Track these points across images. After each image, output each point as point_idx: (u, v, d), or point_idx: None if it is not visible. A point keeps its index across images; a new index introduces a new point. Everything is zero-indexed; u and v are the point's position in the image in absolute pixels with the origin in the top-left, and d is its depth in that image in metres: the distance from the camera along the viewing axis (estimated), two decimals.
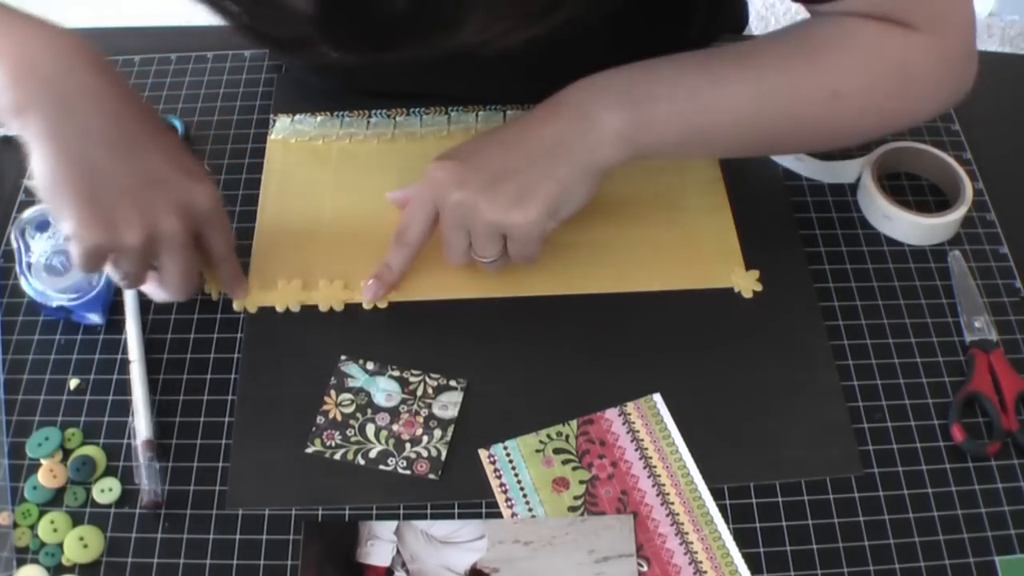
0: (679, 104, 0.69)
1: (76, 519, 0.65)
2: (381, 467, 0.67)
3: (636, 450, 0.68)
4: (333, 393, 0.71)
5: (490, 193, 0.68)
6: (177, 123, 0.85)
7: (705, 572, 0.63)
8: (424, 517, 0.65)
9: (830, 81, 0.69)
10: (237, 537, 0.65)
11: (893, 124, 0.76)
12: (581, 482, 0.67)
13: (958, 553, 0.64)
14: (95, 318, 0.73)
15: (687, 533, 0.65)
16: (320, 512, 0.66)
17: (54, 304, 0.72)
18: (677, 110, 0.69)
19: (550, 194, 0.69)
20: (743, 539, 0.65)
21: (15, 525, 0.65)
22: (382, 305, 0.75)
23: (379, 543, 0.64)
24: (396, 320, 0.74)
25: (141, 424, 0.68)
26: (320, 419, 0.69)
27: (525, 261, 0.72)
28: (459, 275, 0.76)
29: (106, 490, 0.66)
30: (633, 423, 0.69)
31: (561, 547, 0.64)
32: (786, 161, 0.83)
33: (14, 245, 0.75)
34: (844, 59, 0.69)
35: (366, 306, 0.74)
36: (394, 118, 0.86)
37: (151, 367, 0.72)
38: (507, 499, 0.66)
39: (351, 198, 0.81)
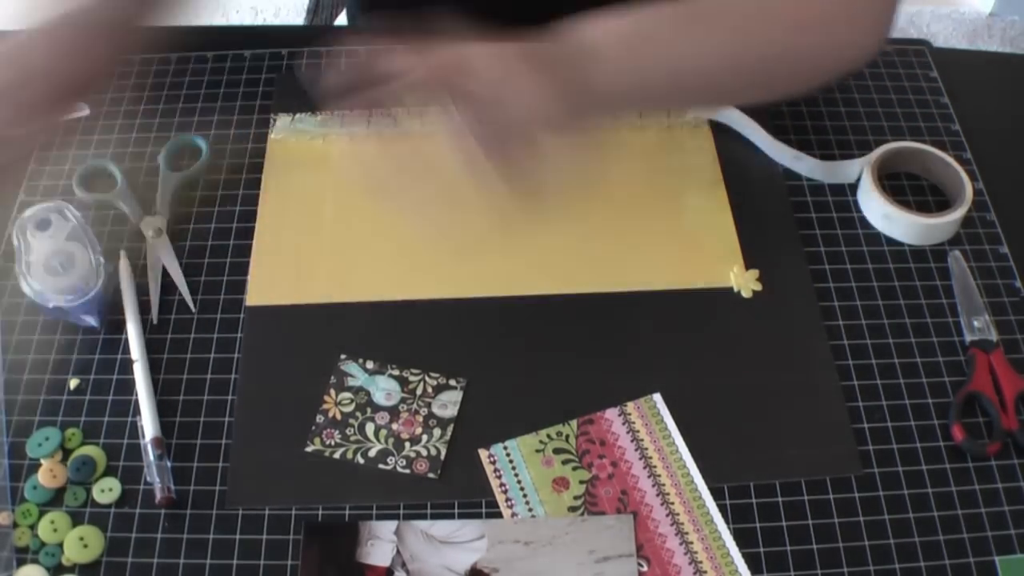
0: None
1: (76, 519, 0.65)
2: (380, 466, 0.67)
3: (636, 450, 0.68)
4: (333, 392, 0.71)
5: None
6: (202, 143, 0.84)
7: (705, 572, 0.63)
8: (424, 517, 0.66)
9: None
10: (237, 537, 0.65)
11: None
12: (581, 482, 0.67)
13: (958, 553, 0.64)
14: (91, 320, 0.73)
15: (687, 533, 0.65)
16: (320, 512, 0.66)
17: (51, 304, 0.72)
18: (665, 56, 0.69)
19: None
20: (743, 539, 0.65)
21: (15, 525, 0.65)
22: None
23: (379, 543, 0.64)
24: (396, 319, 0.75)
25: (148, 422, 0.68)
26: (320, 418, 0.69)
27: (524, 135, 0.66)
28: (460, 275, 0.76)
29: (106, 490, 0.66)
30: (633, 423, 0.69)
31: (561, 547, 0.64)
32: (786, 161, 0.83)
33: (15, 244, 0.75)
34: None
35: None
36: (394, 117, 0.86)
37: (151, 367, 0.72)
38: (507, 499, 0.66)
39: (351, 198, 0.81)
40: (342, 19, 1.16)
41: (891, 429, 0.69)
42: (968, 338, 0.73)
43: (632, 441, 0.69)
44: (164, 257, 0.77)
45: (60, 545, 0.64)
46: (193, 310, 0.75)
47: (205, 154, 0.83)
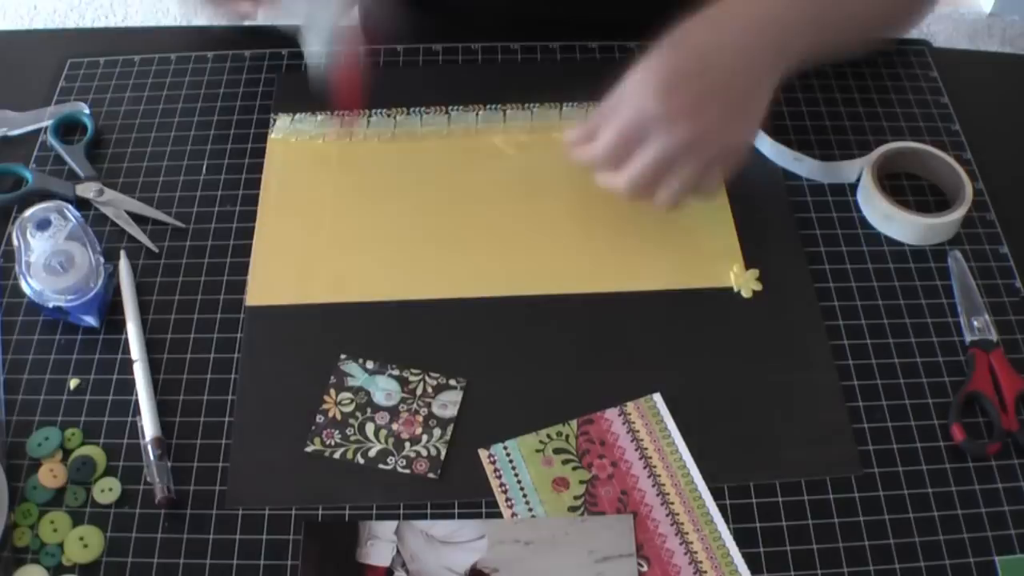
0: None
1: (76, 519, 0.65)
2: (380, 466, 0.67)
3: (636, 450, 0.68)
4: (333, 392, 0.71)
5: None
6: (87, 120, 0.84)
7: (705, 572, 0.63)
8: (424, 517, 0.66)
9: None
10: (237, 537, 0.65)
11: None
12: (581, 482, 0.67)
13: (958, 553, 0.64)
14: (91, 320, 0.73)
15: (687, 533, 0.65)
16: (320, 512, 0.66)
17: (51, 305, 0.72)
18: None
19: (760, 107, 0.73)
20: (743, 539, 0.65)
21: (15, 525, 0.65)
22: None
23: (379, 543, 0.64)
24: (396, 319, 0.74)
25: (148, 422, 0.68)
26: (320, 418, 0.69)
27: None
28: (460, 275, 0.76)
29: (106, 490, 0.66)
30: (633, 423, 0.69)
31: (561, 547, 0.64)
32: (786, 162, 0.83)
33: (15, 243, 0.75)
34: None
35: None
36: (394, 117, 0.86)
37: (151, 367, 0.72)
38: (507, 499, 0.66)
39: (351, 197, 0.81)
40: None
41: (891, 429, 0.69)
42: (968, 338, 0.73)
43: (632, 441, 0.69)
44: (123, 205, 0.80)
45: (60, 545, 0.64)
46: (155, 250, 0.78)
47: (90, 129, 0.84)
